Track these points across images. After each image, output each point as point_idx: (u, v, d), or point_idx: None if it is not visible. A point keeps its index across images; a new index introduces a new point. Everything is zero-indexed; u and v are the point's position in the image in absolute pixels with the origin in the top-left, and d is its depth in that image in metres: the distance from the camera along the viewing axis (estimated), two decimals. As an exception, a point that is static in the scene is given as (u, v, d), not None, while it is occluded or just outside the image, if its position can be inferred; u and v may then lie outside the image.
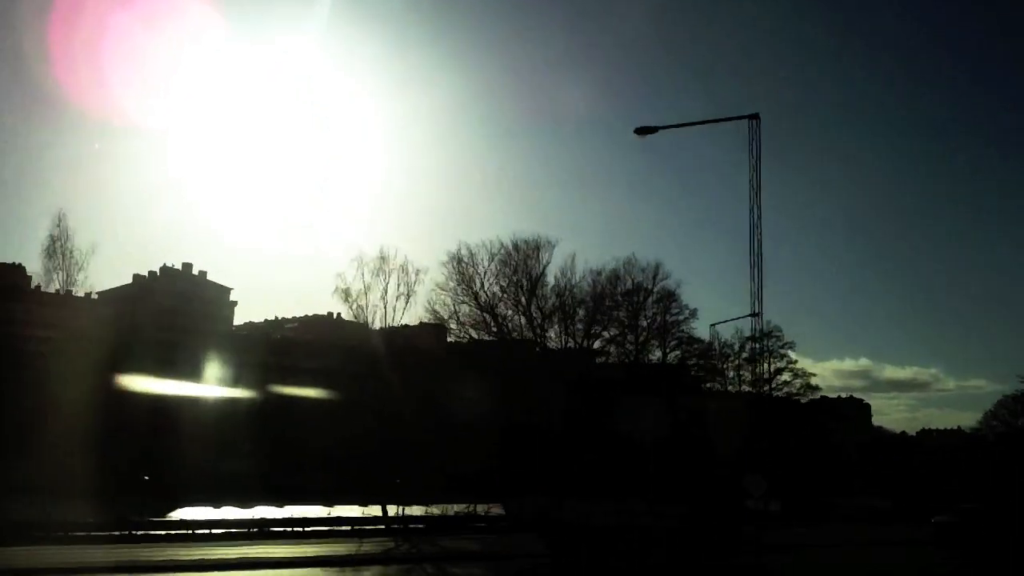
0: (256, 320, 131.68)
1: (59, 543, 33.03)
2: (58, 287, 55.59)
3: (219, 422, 78.57)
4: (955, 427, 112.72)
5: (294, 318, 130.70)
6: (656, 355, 59.23)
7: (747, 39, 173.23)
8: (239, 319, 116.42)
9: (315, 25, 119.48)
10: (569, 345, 54.81)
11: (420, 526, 46.82)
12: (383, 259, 50.24)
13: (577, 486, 52.79)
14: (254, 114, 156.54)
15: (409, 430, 52.64)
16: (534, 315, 53.67)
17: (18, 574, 26.01)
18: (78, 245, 55.71)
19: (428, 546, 36.39)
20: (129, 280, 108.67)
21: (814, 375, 69.53)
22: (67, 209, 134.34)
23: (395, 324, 52.17)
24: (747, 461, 52.06)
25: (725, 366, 67.94)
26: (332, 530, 43.30)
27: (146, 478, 66.24)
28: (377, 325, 51.49)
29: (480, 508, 54.32)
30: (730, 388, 67.52)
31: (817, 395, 73.70)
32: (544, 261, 53.27)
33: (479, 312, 53.37)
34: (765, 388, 66.76)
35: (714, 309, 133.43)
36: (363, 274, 50.29)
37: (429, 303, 53.02)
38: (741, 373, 66.52)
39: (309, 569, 28.43)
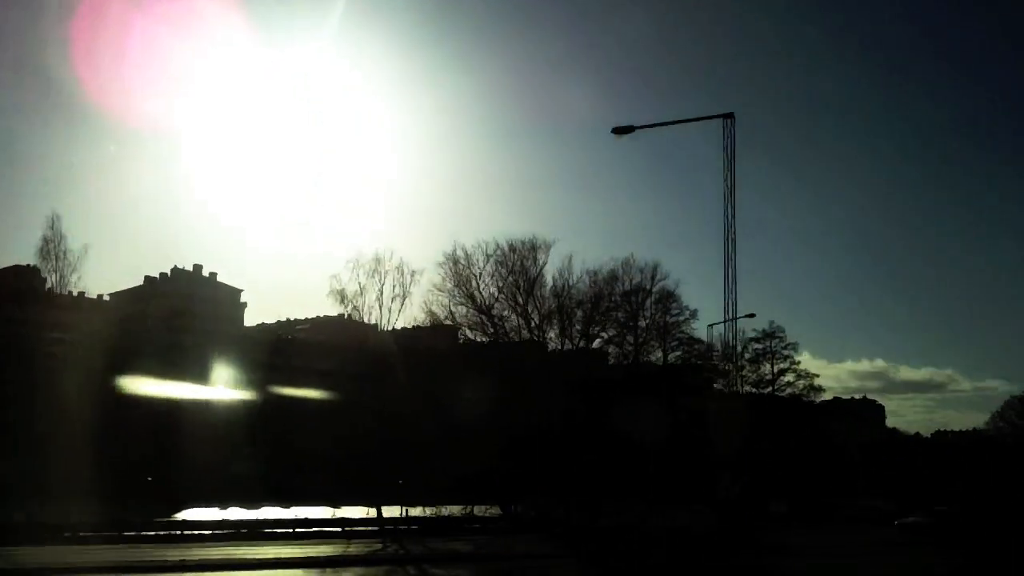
0: (269, 321, 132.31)
1: (66, 543, 33.38)
2: (50, 287, 55.76)
3: (228, 423, 79.10)
4: (971, 428, 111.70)
5: (306, 319, 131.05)
6: (656, 356, 59.03)
7: (749, 40, 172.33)
8: (251, 320, 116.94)
9: (326, 30, 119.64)
10: (567, 346, 54.63)
11: (414, 527, 46.87)
12: (378, 260, 50.27)
13: (577, 487, 52.72)
14: (260, 116, 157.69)
15: (415, 431, 52.59)
16: (532, 316, 53.58)
17: (28, 574, 26.29)
18: (71, 246, 55.86)
19: (417, 547, 36.41)
20: (141, 281, 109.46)
21: (817, 376, 69.31)
22: (84, 211, 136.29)
23: (391, 326, 52.21)
24: (747, 462, 51.83)
25: (728, 367, 67.74)
26: (323, 531, 43.46)
27: (149, 479, 66.78)
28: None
29: (479, 509, 54.42)
30: (734, 389, 67.35)
31: (821, 396, 73.30)
32: (541, 262, 53.15)
33: (476, 313, 53.31)
34: (768, 389, 66.64)
35: (713, 310, 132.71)
36: (359, 275, 50.31)
37: (426, 304, 53.03)
38: (744, 374, 66.34)
39: (290, 570, 28.50)
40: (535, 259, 52.77)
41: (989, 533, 40.77)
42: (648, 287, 55.60)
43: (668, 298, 57.43)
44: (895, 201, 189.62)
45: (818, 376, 68.93)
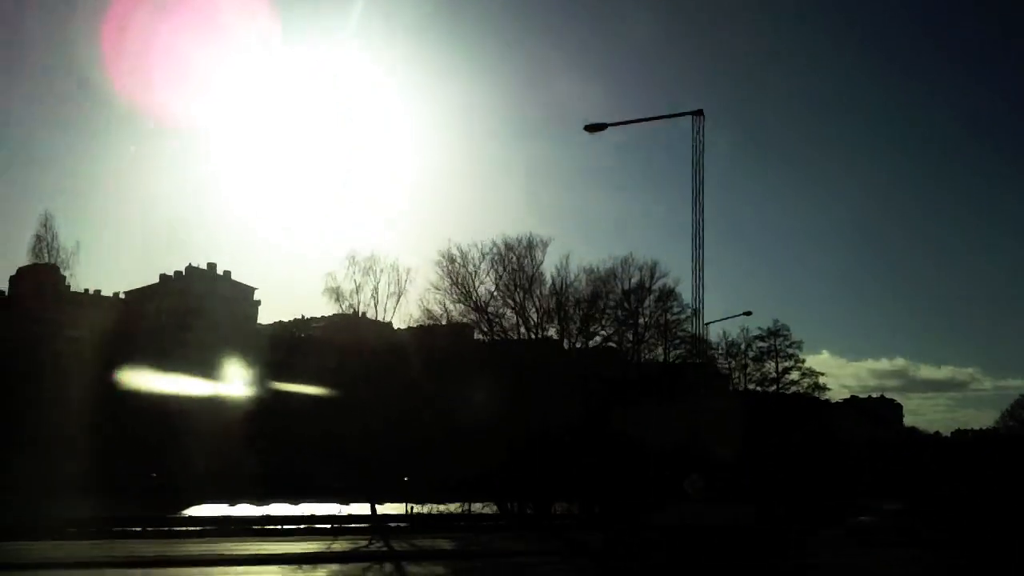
0: (285, 319, 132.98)
1: (50, 539, 33.72)
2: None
3: (241, 421, 79.66)
4: (992, 427, 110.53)
5: (321, 317, 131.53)
6: (656, 353, 58.80)
7: (753, 39, 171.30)
8: (266, 319, 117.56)
9: (345, 32, 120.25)
10: (565, 345, 54.55)
11: (403, 525, 47.05)
12: (374, 258, 50.50)
13: (578, 487, 52.73)
14: (269, 114, 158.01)
15: (427, 430, 52.80)
16: (530, 314, 53.56)
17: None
18: (64, 244, 56.51)
19: (403, 544, 36.49)
20: (156, 279, 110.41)
21: (823, 375, 68.72)
22: (103, 209, 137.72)
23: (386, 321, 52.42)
24: (746, 463, 51.59)
25: (732, 364, 67.51)
26: (315, 528, 43.73)
27: (153, 475, 67.50)
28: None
29: (488, 509, 54.42)
30: (738, 388, 67.08)
31: (826, 394, 72.71)
32: (538, 260, 53.07)
33: (473, 311, 53.40)
34: (773, 387, 66.26)
35: (713, 308, 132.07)
36: (355, 273, 50.57)
37: (422, 302, 53.19)
38: (748, 372, 66.08)
39: (265, 566, 28.63)
40: (532, 257, 52.78)
41: (946, 530, 40.33)
42: (648, 285, 55.37)
43: (669, 296, 57.18)
44: (917, 199, 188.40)
45: (823, 375, 68.54)
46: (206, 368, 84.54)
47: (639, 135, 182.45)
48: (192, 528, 42.26)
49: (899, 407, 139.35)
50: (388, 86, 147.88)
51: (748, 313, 57.09)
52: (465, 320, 53.96)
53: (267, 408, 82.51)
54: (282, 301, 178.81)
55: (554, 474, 50.63)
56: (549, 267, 54.20)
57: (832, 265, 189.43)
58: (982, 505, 50.43)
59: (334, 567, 29.03)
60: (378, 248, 53.15)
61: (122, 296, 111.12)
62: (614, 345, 57.00)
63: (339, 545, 35.37)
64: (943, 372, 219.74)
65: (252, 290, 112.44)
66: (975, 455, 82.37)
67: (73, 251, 57.02)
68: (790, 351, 66.17)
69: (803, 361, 66.78)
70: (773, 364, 66.02)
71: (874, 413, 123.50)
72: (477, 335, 54.34)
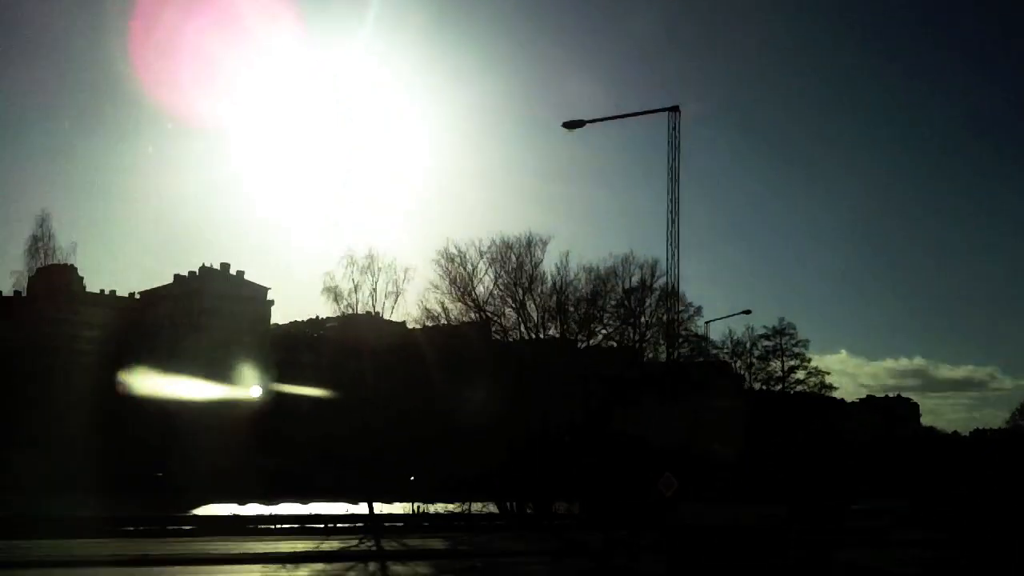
0: (300, 319, 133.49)
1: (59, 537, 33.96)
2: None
3: (254, 421, 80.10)
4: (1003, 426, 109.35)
5: (338, 316, 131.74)
6: (660, 353, 58.53)
7: (757, 37, 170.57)
8: (281, 319, 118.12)
9: (355, 34, 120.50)
10: (564, 345, 54.32)
11: (400, 524, 47.11)
12: (371, 257, 50.53)
13: (577, 489, 52.55)
14: (275, 115, 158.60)
15: (432, 428, 52.79)
16: (530, 313, 53.44)
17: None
18: (60, 244, 56.82)
19: (393, 544, 36.54)
20: (170, 280, 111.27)
21: (828, 373, 68.09)
22: (122, 208, 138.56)
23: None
24: (747, 463, 51.29)
25: (738, 364, 67.13)
26: (309, 527, 43.90)
27: (159, 475, 67.93)
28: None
29: (477, 507, 54.40)
30: (752, 387, 66.70)
31: (831, 393, 72.11)
32: (538, 258, 52.92)
33: (473, 311, 53.33)
34: (779, 386, 65.86)
35: (715, 307, 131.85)
36: (353, 273, 50.62)
37: (422, 302, 53.22)
38: (753, 371, 65.69)
39: (248, 565, 28.73)
40: (532, 255, 52.64)
41: (948, 530, 39.92)
42: (649, 283, 55.10)
43: (672, 295, 56.83)
44: (935, 198, 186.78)
45: (829, 374, 67.92)
46: (219, 368, 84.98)
47: (638, 133, 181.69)
48: (185, 527, 42.44)
49: (916, 406, 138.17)
50: (388, 86, 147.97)
51: (747, 311, 56.82)
52: (465, 319, 53.84)
53: (278, 408, 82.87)
54: (294, 301, 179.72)
55: (554, 474, 50.50)
56: (549, 266, 54.09)
57: (850, 265, 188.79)
58: (987, 504, 49.89)
59: (318, 566, 29.05)
60: (376, 247, 52.93)
61: (137, 296, 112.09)
62: (615, 344, 56.71)
63: (329, 545, 35.42)
64: (962, 371, 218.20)
65: (265, 290, 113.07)
66: (989, 454, 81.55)
67: (70, 251, 57.15)
68: (796, 350, 65.83)
69: (809, 360, 66.42)
70: (779, 363, 65.62)
71: (891, 412, 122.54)
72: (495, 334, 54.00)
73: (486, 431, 49.49)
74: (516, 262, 52.48)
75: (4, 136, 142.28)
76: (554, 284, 53.17)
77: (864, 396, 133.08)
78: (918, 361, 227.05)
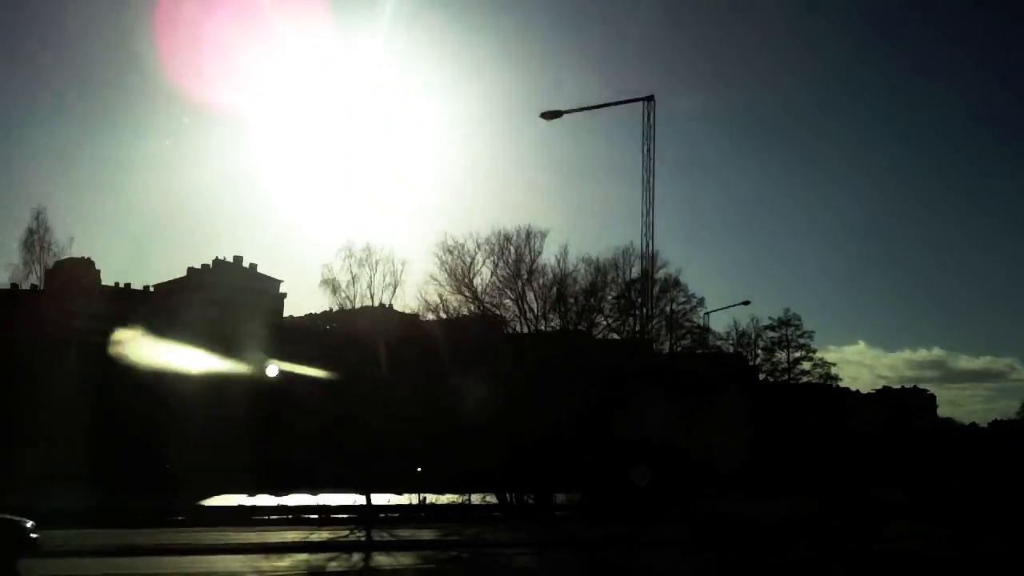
0: (316, 311, 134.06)
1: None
2: (35, 280, 57.22)
3: (266, 413, 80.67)
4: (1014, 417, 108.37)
5: (351, 309, 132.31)
6: (662, 346, 58.46)
7: (762, 34, 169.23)
8: (296, 311, 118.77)
9: (369, 30, 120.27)
10: (565, 338, 54.25)
11: (394, 515, 47.36)
12: (369, 249, 50.74)
13: (578, 483, 52.60)
14: (280, 108, 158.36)
15: (442, 421, 52.97)
16: (530, 305, 53.44)
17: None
18: (56, 239, 57.22)
19: (383, 534, 36.77)
20: (184, 273, 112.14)
21: (834, 365, 67.64)
22: (142, 202, 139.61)
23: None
24: (750, 457, 51.14)
25: (745, 355, 66.90)
26: (305, 518, 44.25)
27: (168, 466, 68.52)
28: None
29: (476, 499, 54.51)
30: (769, 381, 66.44)
31: (842, 384, 71.75)
32: (537, 250, 52.96)
33: (472, 302, 53.42)
34: (784, 378, 65.61)
35: (717, 298, 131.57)
36: (351, 265, 50.85)
37: (421, 294, 53.41)
38: (758, 363, 65.46)
39: (232, 555, 28.96)
40: (531, 248, 52.68)
41: (955, 525, 39.62)
42: (650, 274, 54.93)
43: (675, 286, 56.82)
44: (953, 187, 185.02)
45: (835, 365, 67.48)
46: (231, 360, 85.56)
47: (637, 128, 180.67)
48: (179, 517, 42.87)
49: (932, 398, 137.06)
50: (395, 82, 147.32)
51: (746, 302, 56.64)
52: (463, 310, 53.93)
53: (291, 400, 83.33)
54: (305, 294, 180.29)
55: (555, 468, 50.57)
56: (548, 258, 54.11)
57: (867, 255, 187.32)
58: (992, 496, 49.45)
59: (301, 556, 29.24)
60: (374, 240, 53.10)
61: (151, 289, 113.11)
62: (617, 335, 56.66)
63: (319, 535, 35.69)
64: (981, 362, 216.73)
65: (278, 283, 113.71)
66: (1006, 445, 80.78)
67: (66, 245, 57.59)
68: (802, 341, 65.50)
69: (815, 351, 66.05)
70: (784, 354, 65.33)
71: (907, 404, 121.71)
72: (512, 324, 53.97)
73: (489, 425, 49.58)
74: (515, 254, 52.58)
75: (20, 131, 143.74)
76: (553, 276, 53.21)
77: (880, 387, 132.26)
78: (936, 352, 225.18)
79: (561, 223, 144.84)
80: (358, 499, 55.42)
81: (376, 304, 52.20)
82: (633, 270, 54.82)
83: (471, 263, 52.67)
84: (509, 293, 53.26)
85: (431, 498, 54.58)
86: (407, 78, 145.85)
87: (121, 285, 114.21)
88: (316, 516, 45.89)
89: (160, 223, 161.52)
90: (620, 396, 51.47)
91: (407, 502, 55.85)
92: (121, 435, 70.01)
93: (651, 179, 37.51)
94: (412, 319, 61.41)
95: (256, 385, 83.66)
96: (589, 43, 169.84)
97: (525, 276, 52.74)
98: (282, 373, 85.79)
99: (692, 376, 55.68)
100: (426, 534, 37.44)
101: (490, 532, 39.40)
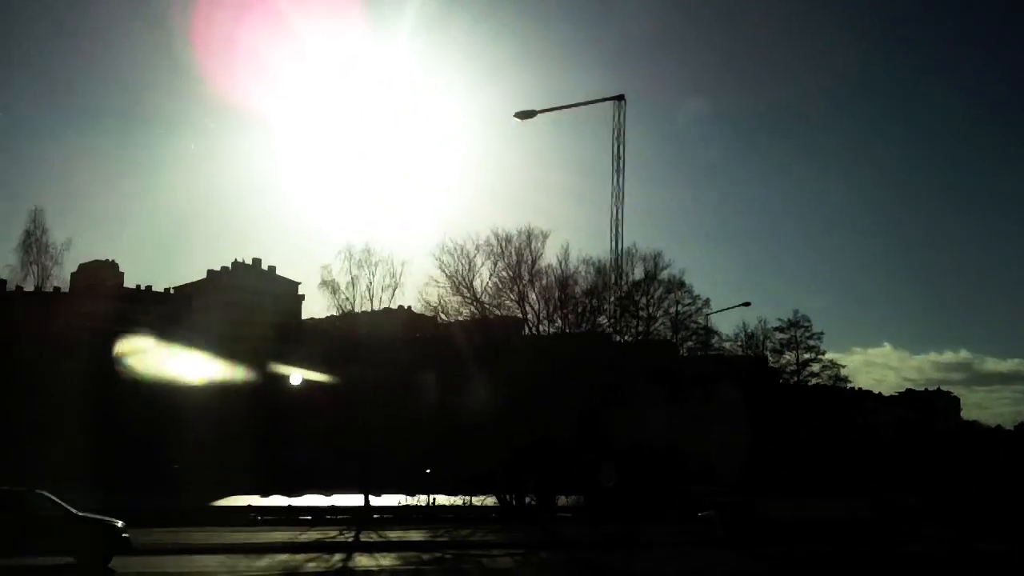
0: (335, 313, 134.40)
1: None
2: (36, 282, 57.77)
3: (282, 414, 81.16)
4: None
5: (367, 311, 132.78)
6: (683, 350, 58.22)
7: (770, 29, 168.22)
8: (317, 313, 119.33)
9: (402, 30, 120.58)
10: (566, 339, 54.09)
11: (388, 516, 47.43)
12: (368, 251, 50.91)
13: (577, 485, 52.40)
14: (291, 109, 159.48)
15: (450, 422, 53.05)
16: (532, 307, 53.38)
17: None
18: (54, 240, 57.76)
19: (372, 535, 36.83)
20: (203, 275, 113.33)
21: (844, 367, 66.84)
22: (167, 204, 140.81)
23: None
24: (749, 458, 50.68)
25: (763, 355, 66.30)
26: (298, 519, 44.46)
27: (176, 467, 69.02)
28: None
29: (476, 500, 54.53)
30: (798, 383, 65.82)
31: (850, 386, 70.86)
32: (538, 252, 52.88)
33: (472, 304, 53.42)
34: (793, 380, 65.05)
35: (720, 299, 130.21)
36: (350, 267, 51.06)
37: (421, 295, 53.51)
38: (767, 365, 64.85)
39: (210, 555, 29.07)
40: (531, 249, 52.60)
41: (955, 527, 38.91)
42: (653, 276, 54.79)
43: (679, 287, 56.56)
44: (981, 188, 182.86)
45: (844, 367, 66.67)
46: (248, 362, 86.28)
47: (638, 128, 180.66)
48: (169, 517, 43.14)
49: (956, 400, 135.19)
50: (405, 81, 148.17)
51: (747, 304, 56.29)
52: (463, 311, 53.94)
53: (306, 402, 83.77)
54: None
55: (555, 471, 50.49)
56: (550, 259, 54.01)
57: (893, 257, 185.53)
58: (1008, 498, 48.55)
59: (281, 557, 29.27)
60: (373, 241, 53.27)
61: (171, 291, 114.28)
62: (619, 338, 56.47)
63: (307, 536, 35.81)
64: (1008, 364, 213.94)
65: (296, 284, 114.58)
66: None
67: (64, 247, 58.07)
68: (811, 343, 64.84)
69: (824, 353, 65.37)
70: (793, 356, 64.71)
71: (930, 406, 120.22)
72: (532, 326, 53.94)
73: (490, 426, 49.61)
74: (516, 256, 52.50)
75: (39, 132, 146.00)
76: (554, 277, 53.09)
77: (904, 390, 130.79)
78: (963, 354, 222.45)
79: (564, 223, 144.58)
80: (373, 500, 55.67)
81: (376, 305, 52.27)
82: (635, 270, 54.63)
83: (470, 264, 52.74)
84: (510, 295, 53.25)
85: (440, 499, 54.68)
86: (428, 78, 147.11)
87: (142, 287, 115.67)
88: (309, 517, 45.91)
89: (183, 224, 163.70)
90: (621, 398, 51.34)
91: (416, 503, 55.91)
92: (134, 436, 70.64)
93: (621, 179, 37.52)
94: (428, 321, 61.65)
95: (272, 387, 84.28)
96: (595, 43, 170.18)
97: (526, 278, 52.69)
98: (298, 376, 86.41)
99: (694, 377, 55.41)
100: (416, 535, 37.47)
101: (483, 533, 39.36)
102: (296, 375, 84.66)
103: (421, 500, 56.62)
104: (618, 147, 32.92)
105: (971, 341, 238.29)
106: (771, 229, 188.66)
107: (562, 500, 54.96)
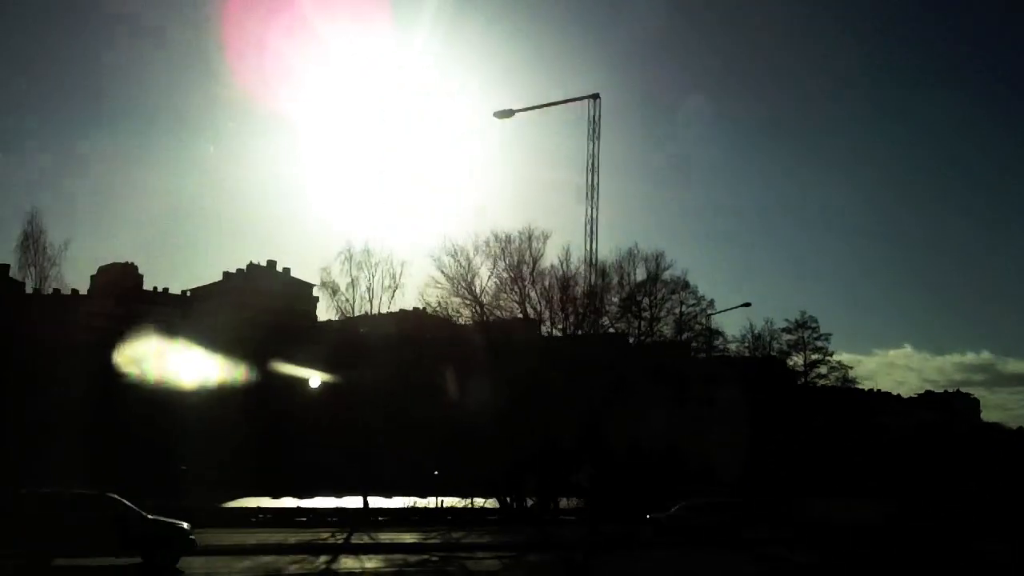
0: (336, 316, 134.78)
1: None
2: (35, 284, 58.19)
3: (294, 415, 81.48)
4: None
5: (382, 313, 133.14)
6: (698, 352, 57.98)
7: (773, 30, 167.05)
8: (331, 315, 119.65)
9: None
10: (568, 341, 53.95)
11: (382, 518, 47.52)
12: (368, 252, 51.03)
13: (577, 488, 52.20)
14: (325, 113, 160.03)
15: (456, 424, 53.07)
16: (535, 308, 53.34)
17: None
18: (52, 241, 58.14)
19: (364, 537, 36.92)
20: (219, 277, 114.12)
21: (851, 368, 66.19)
22: (179, 207, 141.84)
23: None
24: (749, 459, 50.44)
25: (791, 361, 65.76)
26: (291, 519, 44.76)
27: (183, 468, 69.45)
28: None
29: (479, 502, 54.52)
30: (812, 384, 65.29)
31: (862, 387, 70.21)
32: (539, 253, 52.83)
33: (473, 304, 53.46)
34: (800, 381, 64.57)
35: (722, 300, 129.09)
36: (350, 268, 51.19)
37: (422, 297, 53.59)
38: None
39: (193, 557, 29.17)
40: (532, 250, 52.54)
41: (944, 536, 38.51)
42: (655, 275, 54.58)
43: (684, 288, 56.32)
44: (1003, 188, 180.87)
45: (852, 368, 66.01)
46: (261, 363, 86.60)
47: (637, 128, 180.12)
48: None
49: (975, 402, 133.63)
50: (420, 83, 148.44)
51: (747, 304, 55.91)
52: (463, 312, 53.94)
53: (321, 403, 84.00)
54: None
55: (556, 473, 50.38)
56: (551, 260, 53.94)
57: (914, 258, 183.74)
58: (1009, 500, 48.00)
59: (266, 558, 29.33)
60: (373, 241, 53.45)
61: (188, 294, 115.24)
62: (623, 339, 56.26)
63: (297, 537, 35.95)
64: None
65: (311, 286, 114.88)
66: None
67: (61, 249, 58.43)
68: (819, 344, 64.30)
69: (832, 354, 64.80)
70: (801, 357, 64.20)
71: (949, 408, 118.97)
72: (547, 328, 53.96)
73: (492, 428, 49.63)
74: (517, 256, 52.46)
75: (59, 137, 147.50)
76: (556, 278, 53.01)
77: (923, 392, 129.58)
78: (985, 356, 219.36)
79: (565, 224, 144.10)
80: (378, 501, 55.87)
81: (376, 306, 52.41)
82: (637, 271, 54.43)
83: (469, 265, 52.79)
84: (513, 296, 53.23)
85: (449, 501, 54.76)
86: (443, 81, 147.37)
87: (159, 289, 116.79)
88: (305, 519, 46.06)
89: (200, 226, 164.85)
90: (622, 399, 51.21)
91: (425, 505, 56.00)
92: (144, 437, 71.05)
93: (595, 178, 37.45)
94: (443, 323, 61.68)
95: (284, 388, 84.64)
96: (603, 46, 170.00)
97: (527, 279, 52.64)
98: (313, 377, 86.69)
99: (699, 378, 55.17)
100: (409, 537, 37.49)
101: (477, 535, 39.33)
102: (314, 377, 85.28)
103: (430, 502, 56.71)
104: (593, 145, 32.93)
105: (993, 342, 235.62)
106: (782, 231, 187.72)
107: (568, 502, 54.76)
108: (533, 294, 52.89)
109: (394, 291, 51.56)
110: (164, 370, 77.41)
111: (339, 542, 35.07)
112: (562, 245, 58.77)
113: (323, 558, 30.33)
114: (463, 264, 52.61)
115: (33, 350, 56.19)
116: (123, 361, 77.69)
